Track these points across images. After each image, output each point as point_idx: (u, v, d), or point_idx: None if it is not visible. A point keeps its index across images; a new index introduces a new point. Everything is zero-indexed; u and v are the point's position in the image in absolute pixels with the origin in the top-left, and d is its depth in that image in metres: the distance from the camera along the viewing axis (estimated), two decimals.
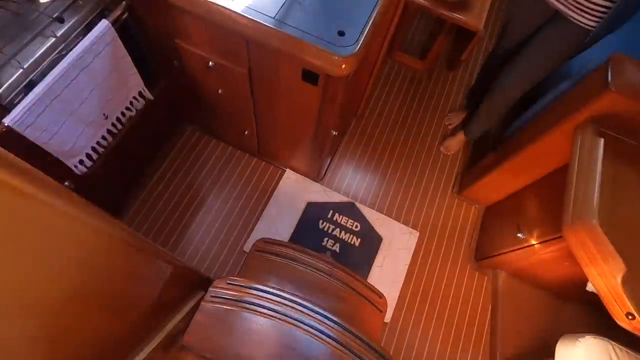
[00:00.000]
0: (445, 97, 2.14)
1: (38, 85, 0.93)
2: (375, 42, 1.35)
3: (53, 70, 0.96)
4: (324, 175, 1.85)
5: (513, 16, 1.43)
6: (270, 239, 1.33)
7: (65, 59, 0.97)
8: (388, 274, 1.67)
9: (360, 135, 1.98)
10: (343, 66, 0.98)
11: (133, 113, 1.30)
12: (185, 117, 1.84)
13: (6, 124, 0.88)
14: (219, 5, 0.99)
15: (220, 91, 1.37)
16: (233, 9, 0.99)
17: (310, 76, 1.09)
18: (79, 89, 1.04)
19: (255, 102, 1.37)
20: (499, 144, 1.61)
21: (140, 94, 1.30)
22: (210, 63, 1.22)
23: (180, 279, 1.03)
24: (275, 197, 1.78)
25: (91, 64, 1.04)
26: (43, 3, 1.08)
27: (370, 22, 1.03)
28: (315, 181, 1.83)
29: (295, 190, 1.80)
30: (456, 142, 1.93)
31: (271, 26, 0.98)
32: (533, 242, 1.31)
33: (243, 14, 0.99)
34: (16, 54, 0.96)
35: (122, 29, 1.16)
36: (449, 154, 1.98)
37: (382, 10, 1.08)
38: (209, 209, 1.73)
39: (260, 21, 0.99)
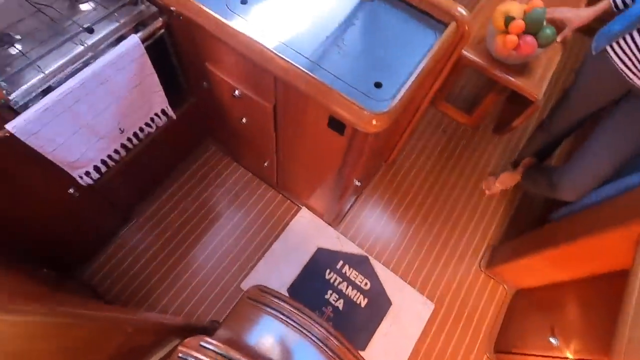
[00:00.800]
0: (486, 158, 1.96)
1: (50, 94, 0.89)
2: (417, 95, 1.23)
3: (70, 80, 0.92)
4: (341, 220, 1.72)
5: (579, 89, 1.27)
6: (266, 288, 1.20)
7: (84, 70, 0.93)
8: (392, 345, 1.49)
9: (387, 184, 1.84)
10: (374, 122, 0.86)
11: (153, 129, 1.25)
12: (209, 135, 1.79)
13: (8, 130, 0.84)
14: (252, 38, 0.92)
15: (244, 120, 1.30)
16: (265, 45, 0.91)
17: (336, 125, 0.99)
18: (95, 101, 0.99)
19: (278, 137, 1.29)
20: (546, 222, 1.42)
21: (163, 111, 1.25)
22: (236, 92, 1.15)
23: (148, 332, 0.92)
24: (285, 235, 1.66)
25: (113, 78, 0.99)
26: (83, 11, 1.07)
27: (413, 78, 0.92)
28: (330, 225, 1.70)
29: (308, 231, 1.68)
30: (504, 182, 1.74)
31: (302, 68, 0.90)
32: (569, 355, 1.10)
33: (274, 51, 0.91)
34: (39, 58, 0.93)
35: (156, 44, 1.13)
36: (488, 192, 1.80)
37: (430, 66, 0.96)
38: (216, 233, 1.64)
39: (291, 61, 0.90)
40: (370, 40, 1.01)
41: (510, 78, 1.32)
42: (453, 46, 1.07)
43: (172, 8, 1.01)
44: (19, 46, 0.98)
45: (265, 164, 1.52)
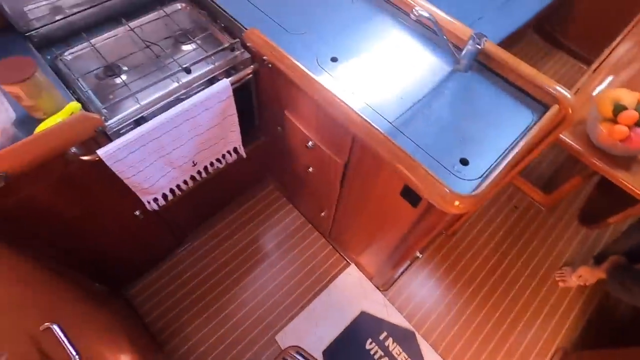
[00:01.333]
0: (562, 246, 1.75)
1: (143, 125, 0.94)
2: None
3: (162, 114, 0.96)
4: (391, 285, 1.60)
5: None
6: (303, 351, 1.11)
7: (176, 106, 0.98)
8: None
9: (446, 255, 1.70)
10: (456, 203, 0.78)
11: (222, 165, 1.28)
12: (271, 172, 1.81)
13: (99, 155, 0.88)
14: (336, 96, 0.91)
15: (310, 169, 1.28)
16: (348, 104, 0.89)
17: (411, 195, 0.92)
18: (178, 135, 1.03)
19: (342, 193, 1.24)
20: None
21: (235, 149, 1.27)
22: (309, 143, 1.14)
23: None
24: (329, 289, 1.57)
25: (198, 116, 1.03)
26: (184, 51, 1.14)
27: (506, 163, 0.83)
28: (379, 289, 1.58)
29: (353, 291, 1.57)
30: (584, 277, 1.53)
31: (383, 132, 0.86)
32: None
33: (357, 111, 0.88)
34: (140, 90, 0.99)
35: (241, 86, 1.17)
36: (562, 285, 1.59)
37: (525, 150, 0.88)
38: (260, 274, 1.60)
39: (373, 123, 0.87)
40: (460, 113, 0.96)
41: (613, 171, 1.17)
42: (551, 129, 0.98)
43: (264, 57, 1.04)
44: (124, 77, 1.06)
45: (322, 214, 1.48)
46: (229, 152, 1.26)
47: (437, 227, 0.95)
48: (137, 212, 1.21)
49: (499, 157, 0.88)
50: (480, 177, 0.85)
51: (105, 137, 0.96)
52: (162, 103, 1.01)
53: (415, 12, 0.89)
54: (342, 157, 1.07)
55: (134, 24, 1.14)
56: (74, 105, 0.85)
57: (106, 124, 0.95)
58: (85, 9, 1.12)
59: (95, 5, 1.13)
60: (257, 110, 1.36)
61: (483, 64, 1.05)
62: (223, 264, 1.61)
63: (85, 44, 1.09)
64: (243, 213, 1.75)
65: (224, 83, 1.03)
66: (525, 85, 1.00)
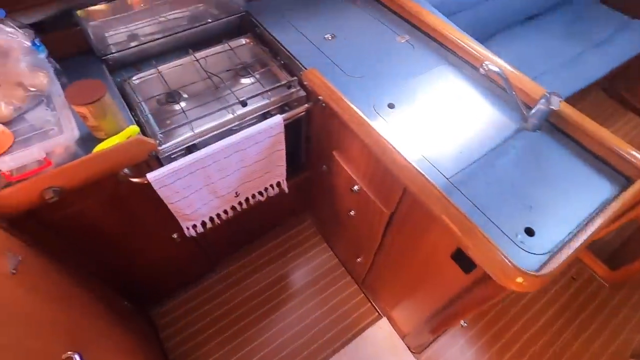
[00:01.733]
0: (628, 332, 1.52)
1: (193, 153, 0.94)
2: None
3: (214, 144, 0.96)
4: (425, 349, 1.46)
5: None
6: None
7: (229, 138, 0.98)
8: None
9: (489, 323, 1.53)
10: (519, 280, 0.69)
11: (263, 198, 1.26)
12: (309, 208, 1.77)
13: (147, 179, 0.89)
14: (391, 144, 0.87)
15: (352, 213, 1.23)
16: (402, 154, 0.84)
17: (463, 260, 0.83)
18: (226, 166, 1.03)
19: (384, 243, 1.17)
20: None
21: (278, 184, 1.25)
22: (355, 187, 1.10)
23: None
24: (357, 342, 1.46)
25: (248, 148, 1.03)
26: (242, 84, 1.17)
27: (582, 241, 0.73)
28: (410, 350, 1.45)
29: (383, 348, 1.45)
30: None
31: (438, 187, 0.79)
32: None
33: (411, 162, 0.83)
34: (195, 119, 1.01)
35: (292, 123, 1.17)
36: None
37: (602, 226, 0.77)
38: (286, 314, 1.52)
39: (428, 176, 0.81)
40: (526, 176, 0.87)
41: None
42: (634, 205, 0.86)
43: (319, 97, 1.03)
44: (183, 104, 1.10)
45: (358, 260, 1.40)
46: (271, 185, 1.25)
47: (490, 299, 0.84)
48: (175, 235, 1.20)
49: (571, 232, 0.78)
50: (548, 253, 0.75)
51: (157, 161, 0.98)
52: (214, 133, 1.03)
53: (485, 67, 0.85)
54: (389, 206, 1.01)
55: (199, 54, 1.19)
56: (132, 129, 0.87)
57: (160, 148, 0.97)
58: (159, 38, 1.19)
59: (168, 36, 1.20)
60: (305, 146, 1.35)
61: (554, 125, 0.97)
62: (252, 296, 1.56)
63: (152, 70, 1.14)
64: (277, 245, 1.72)
65: (277, 119, 1.02)
66: (603, 153, 0.90)
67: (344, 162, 1.12)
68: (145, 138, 0.87)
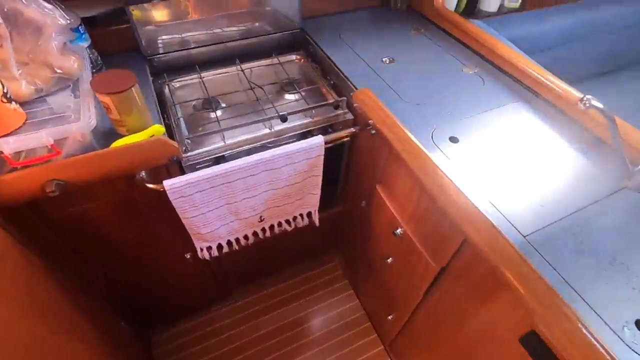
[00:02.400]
0: None
1: (218, 165, 0.83)
2: None
3: (242, 158, 0.85)
4: None
5: None
6: None
7: (260, 153, 0.86)
8: None
9: None
10: None
11: (290, 227, 1.11)
12: (338, 247, 1.59)
13: (164, 186, 0.78)
14: (454, 184, 0.70)
15: (389, 260, 1.04)
16: (475, 204, 0.67)
17: (537, 349, 0.62)
18: (253, 185, 0.90)
19: (424, 303, 0.97)
20: None
21: (309, 214, 1.11)
22: (398, 230, 0.92)
23: None
24: None
25: (281, 168, 0.90)
26: (286, 99, 1.07)
27: None
28: None
29: None
30: None
31: (513, 244, 0.61)
32: None
33: (485, 213, 0.65)
34: (229, 128, 0.91)
35: (334, 147, 1.04)
36: None
37: None
38: None
39: (502, 231, 0.63)
40: (633, 250, 0.66)
41: None
42: None
43: (370, 121, 0.90)
44: (219, 112, 1.01)
45: (390, 317, 1.19)
46: (301, 215, 1.10)
47: None
48: (188, 255, 1.08)
49: None
50: None
51: (179, 168, 0.88)
52: (248, 147, 0.92)
53: (586, 102, 0.67)
54: (439, 259, 0.82)
55: (245, 65, 1.12)
56: (157, 128, 0.78)
57: (184, 155, 0.87)
58: (208, 45, 1.14)
59: (217, 43, 1.15)
60: (344, 176, 1.21)
61: None
62: (264, 337, 1.38)
63: (195, 76, 1.08)
64: (299, 284, 1.54)
65: (318, 139, 0.89)
66: None
67: (388, 199, 0.96)
68: (168, 140, 0.77)
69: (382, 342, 1.37)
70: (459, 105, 0.94)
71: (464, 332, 0.83)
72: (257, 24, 1.18)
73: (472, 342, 0.81)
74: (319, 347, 1.37)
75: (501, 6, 1.52)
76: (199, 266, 1.16)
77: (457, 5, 1.40)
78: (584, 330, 0.52)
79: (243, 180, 0.88)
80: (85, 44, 0.87)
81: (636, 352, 0.53)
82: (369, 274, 1.28)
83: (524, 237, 0.66)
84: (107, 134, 0.78)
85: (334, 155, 1.11)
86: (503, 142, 0.85)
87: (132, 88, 0.73)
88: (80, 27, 0.86)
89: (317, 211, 1.10)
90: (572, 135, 0.87)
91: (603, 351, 0.50)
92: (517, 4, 1.53)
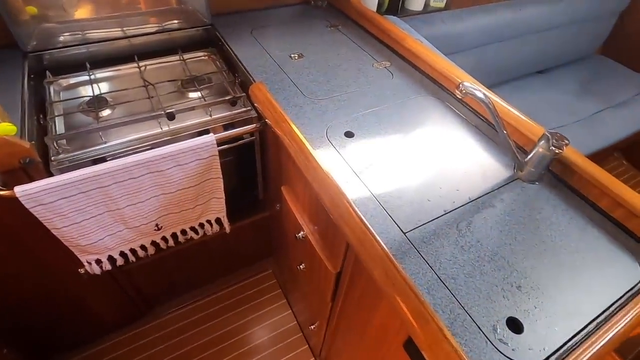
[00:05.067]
0: None
1: (84, 168, 0.74)
2: None
3: (116, 160, 0.76)
4: None
5: None
6: None
7: (138, 154, 0.78)
8: None
9: None
10: None
11: (197, 236, 1.03)
12: (271, 255, 1.52)
13: (15, 193, 0.68)
14: (333, 180, 0.65)
15: (302, 266, 0.98)
16: (343, 191, 0.62)
17: (416, 354, 0.57)
18: (136, 189, 0.82)
19: (334, 309, 0.91)
20: None
21: (218, 220, 1.03)
22: (300, 233, 0.86)
23: None
24: None
25: (167, 170, 0.82)
26: (188, 99, 0.99)
27: (598, 346, 0.47)
28: None
29: None
30: None
31: (382, 242, 0.56)
32: None
33: (355, 207, 0.60)
34: (109, 127, 0.83)
35: (244, 148, 0.97)
36: None
37: (629, 325, 0.51)
38: None
39: (382, 228, 0.58)
40: (515, 241, 0.62)
41: None
42: None
43: (266, 120, 0.84)
44: (107, 111, 0.92)
45: (312, 327, 1.12)
46: (209, 222, 1.02)
47: None
48: (82, 270, 0.97)
49: (580, 330, 0.52)
50: None
51: (47, 173, 0.78)
52: (133, 147, 0.83)
53: (462, 89, 0.64)
54: (334, 263, 0.76)
55: (145, 63, 1.04)
56: (4, 127, 0.68)
57: (55, 157, 0.78)
58: (104, 42, 1.05)
59: (116, 39, 1.06)
60: (262, 180, 1.14)
61: (557, 176, 0.74)
62: (189, 353, 1.28)
63: (84, 74, 0.99)
64: (232, 294, 1.45)
65: (208, 138, 0.82)
66: (631, 222, 0.65)
67: (291, 201, 0.90)
68: (16, 140, 0.67)
69: (312, 352, 1.30)
70: (362, 100, 0.90)
71: (367, 339, 0.77)
72: (165, 19, 1.10)
73: (375, 349, 0.76)
74: (254, 358, 1.28)
75: (426, 5, 1.52)
76: (101, 282, 1.05)
77: (379, 3, 1.38)
78: (446, 337, 0.48)
79: (121, 184, 0.79)
80: None
81: (502, 353, 0.48)
82: (294, 282, 1.21)
83: (404, 233, 0.61)
84: None
85: (246, 158, 1.04)
86: (400, 135, 0.81)
87: None
88: None
89: (225, 217, 1.02)
90: (471, 127, 0.85)
91: (462, 357, 0.46)
92: (442, 3, 1.53)
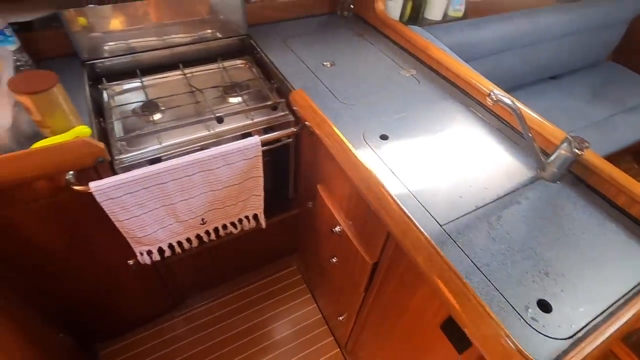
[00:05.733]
0: None
1: (148, 167, 0.82)
2: None
3: (175, 159, 0.84)
4: None
5: None
6: None
7: (194, 154, 0.86)
8: None
9: None
10: None
11: (236, 230, 1.11)
12: (297, 252, 1.59)
13: (90, 189, 0.77)
14: (375, 176, 0.72)
15: (334, 260, 1.05)
16: (388, 189, 0.69)
17: (455, 333, 0.64)
18: (189, 186, 0.90)
19: (367, 299, 0.98)
20: None
21: (255, 216, 1.11)
22: (337, 228, 0.94)
23: None
24: None
25: (217, 169, 0.90)
26: (230, 103, 1.08)
27: (618, 325, 0.54)
28: None
29: None
30: None
31: (427, 235, 0.63)
32: None
33: (398, 200, 0.67)
34: (164, 130, 0.91)
35: (281, 149, 1.05)
36: None
37: None
38: None
39: (421, 221, 0.65)
40: (542, 234, 0.69)
41: None
42: None
43: (306, 123, 0.92)
44: (158, 115, 1.00)
45: (341, 318, 1.19)
46: (247, 217, 1.10)
47: None
48: (131, 262, 1.05)
49: (602, 312, 0.58)
50: (570, 337, 0.55)
51: (111, 171, 0.86)
52: (186, 148, 0.92)
53: (493, 97, 0.71)
54: (371, 254, 0.84)
55: (189, 70, 1.13)
56: (82, 129, 0.77)
57: (118, 157, 0.86)
58: (151, 50, 1.14)
59: (161, 49, 1.15)
60: (294, 179, 1.22)
61: (578, 177, 0.80)
62: (219, 344, 1.35)
63: (136, 80, 1.08)
64: (257, 289, 1.52)
65: (254, 140, 0.90)
66: None
67: (327, 197, 0.98)
68: (92, 140, 0.76)
69: (337, 344, 1.37)
70: (393, 105, 0.98)
71: (401, 326, 0.84)
72: (204, 30, 1.19)
73: (409, 334, 0.82)
74: (275, 353, 1.35)
75: (445, 14, 1.60)
76: (146, 273, 1.13)
77: (401, 13, 1.46)
78: (487, 312, 0.55)
79: (177, 181, 0.87)
80: (11, 47, 0.86)
81: (534, 329, 0.55)
82: (321, 276, 1.28)
83: (441, 226, 0.69)
84: (31, 137, 0.77)
85: (281, 158, 1.12)
86: (430, 138, 0.88)
87: (54, 89, 0.72)
88: (5, 30, 0.84)
89: (262, 214, 1.10)
90: (495, 130, 0.92)
91: (502, 330, 0.53)
92: (460, 13, 1.61)
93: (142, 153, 0.89)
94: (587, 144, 0.73)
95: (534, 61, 1.79)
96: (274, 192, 1.23)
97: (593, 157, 0.77)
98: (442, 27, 1.49)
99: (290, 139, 1.06)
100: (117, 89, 1.07)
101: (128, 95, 1.07)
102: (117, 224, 0.87)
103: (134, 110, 1.01)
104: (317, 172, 1.01)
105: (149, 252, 0.99)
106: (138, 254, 0.98)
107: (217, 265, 1.36)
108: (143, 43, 1.12)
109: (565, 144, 0.75)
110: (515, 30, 1.63)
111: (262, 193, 1.04)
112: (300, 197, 1.25)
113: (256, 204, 1.07)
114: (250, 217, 1.10)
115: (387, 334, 0.93)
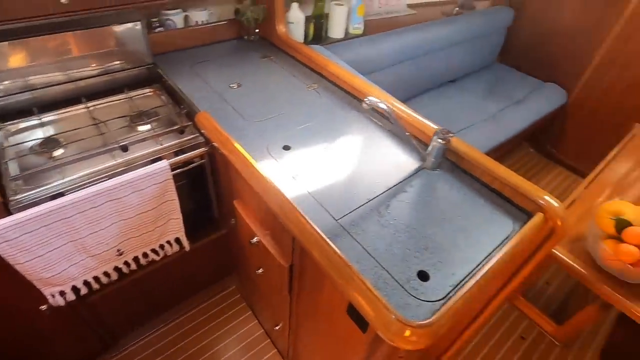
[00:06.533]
0: None
1: (46, 203, 0.80)
2: (481, 297, 0.91)
3: (78, 192, 0.84)
4: None
5: None
6: None
7: (98, 184, 0.86)
8: None
9: None
10: (407, 334, 0.57)
11: (158, 257, 1.10)
12: (233, 272, 1.59)
13: None
14: (273, 184, 0.78)
15: (260, 270, 1.08)
16: (291, 198, 0.75)
17: (355, 315, 0.70)
18: (97, 218, 0.89)
19: (292, 302, 1.02)
20: None
21: (177, 240, 1.11)
22: (254, 239, 0.98)
23: None
24: None
25: (125, 197, 0.91)
26: (138, 132, 1.08)
27: (474, 281, 0.64)
28: None
29: None
30: None
31: (318, 230, 0.69)
32: None
33: (294, 203, 0.74)
34: (65, 163, 0.90)
35: (196, 172, 1.07)
36: None
37: (500, 265, 0.69)
38: None
39: (318, 217, 0.72)
40: (422, 215, 0.80)
41: (627, 301, 0.93)
42: (538, 243, 0.79)
43: (213, 143, 0.96)
44: (60, 151, 0.98)
45: (277, 328, 1.22)
46: (168, 242, 1.10)
47: None
48: (44, 307, 0.99)
49: (470, 272, 0.69)
50: (444, 298, 0.64)
51: (6, 212, 0.83)
52: (91, 180, 0.90)
53: (368, 102, 0.81)
54: (285, 258, 0.89)
55: (93, 103, 1.12)
56: None
57: (13, 197, 0.83)
58: (51, 86, 1.11)
59: (63, 84, 1.13)
60: (216, 199, 1.24)
61: (453, 163, 0.93)
62: None
63: (34, 118, 1.05)
64: (194, 316, 1.49)
65: (161, 164, 0.92)
66: (504, 190, 0.85)
67: (244, 211, 1.02)
68: None
69: (281, 355, 1.39)
70: (297, 118, 1.06)
71: (321, 321, 0.89)
72: (110, 62, 1.19)
73: (329, 328, 0.88)
74: None
75: (347, 32, 1.75)
76: (64, 317, 1.07)
77: (305, 33, 1.58)
78: (368, 288, 0.61)
79: (83, 214, 0.86)
80: None
81: (415, 296, 0.64)
82: (254, 290, 1.30)
83: (336, 220, 0.76)
84: None
85: (198, 180, 1.14)
86: (329, 144, 0.97)
87: None
88: None
89: (184, 236, 1.11)
90: (387, 132, 1.03)
91: (381, 302, 0.60)
92: (360, 30, 1.77)
93: (42, 190, 0.86)
94: (451, 134, 0.85)
95: (430, 69, 2.01)
96: (199, 213, 1.24)
97: (460, 144, 0.90)
98: (344, 44, 1.63)
99: (204, 160, 1.09)
100: (13, 128, 1.03)
101: (26, 134, 1.03)
102: (17, 267, 0.83)
103: (31, 148, 0.98)
104: (232, 189, 1.05)
105: (62, 293, 0.95)
106: (49, 296, 0.93)
107: (148, 297, 1.32)
108: (44, 79, 1.09)
109: (436, 136, 0.87)
110: (410, 43, 1.82)
111: (179, 216, 1.05)
112: (224, 217, 1.28)
113: (176, 227, 1.07)
114: (172, 241, 1.10)
115: (317, 334, 0.98)
